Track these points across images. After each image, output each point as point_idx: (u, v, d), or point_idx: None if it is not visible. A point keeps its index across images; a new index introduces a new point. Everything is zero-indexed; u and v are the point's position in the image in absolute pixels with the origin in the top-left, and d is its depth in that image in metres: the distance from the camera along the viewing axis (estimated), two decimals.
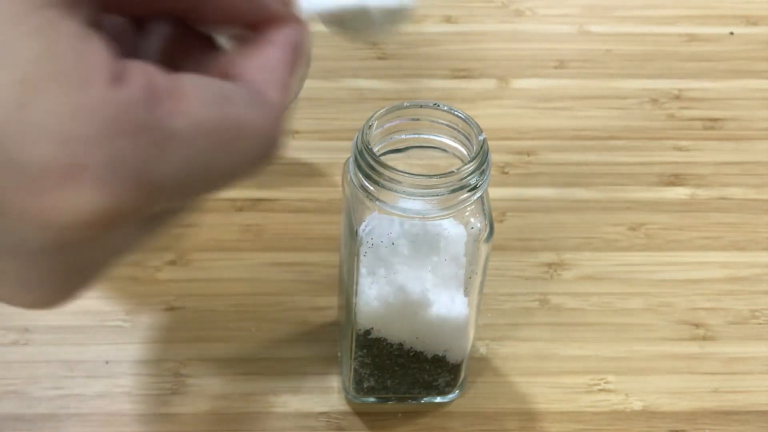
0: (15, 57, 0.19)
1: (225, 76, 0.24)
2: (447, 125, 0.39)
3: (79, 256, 0.22)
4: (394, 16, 0.36)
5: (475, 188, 0.37)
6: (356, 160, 0.37)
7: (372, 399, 0.46)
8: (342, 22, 0.35)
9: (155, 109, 0.21)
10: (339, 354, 0.48)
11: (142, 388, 0.46)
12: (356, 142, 0.38)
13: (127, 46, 0.25)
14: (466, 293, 0.41)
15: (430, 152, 0.40)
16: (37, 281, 0.22)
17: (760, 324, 0.51)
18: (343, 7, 0.35)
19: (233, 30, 0.27)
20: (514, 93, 0.65)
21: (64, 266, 0.22)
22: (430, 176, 0.36)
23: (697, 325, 0.50)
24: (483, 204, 0.39)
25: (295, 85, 0.26)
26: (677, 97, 0.65)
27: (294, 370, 0.47)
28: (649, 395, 0.47)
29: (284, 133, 0.25)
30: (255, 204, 0.56)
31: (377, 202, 0.37)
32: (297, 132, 0.61)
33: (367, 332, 0.42)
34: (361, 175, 0.37)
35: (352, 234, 0.39)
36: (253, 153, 0.24)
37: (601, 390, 0.47)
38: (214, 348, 0.48)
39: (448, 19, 0.71)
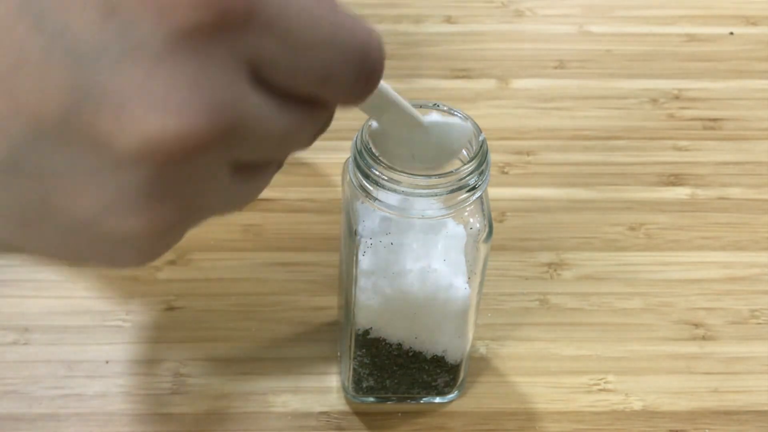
0: None
1: None
2: None
3: (170, 186, 0.20)
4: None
5: (474, 188, 0.37)
6: (355, 160, 0.37)
7: (371, 399, 0.46)
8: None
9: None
10: (338, 354, 0.48)
11: (142, 388, 0.46)
12: (356, 142, 0.38)
13: None
14: (466, 293, 0.41)
15: None
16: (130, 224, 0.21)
17: (759, 324, 0.51)
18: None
19: None
20: (514, 93, 0.65)
21: (155, 200, 0.20)
22: (430, 176, 0.36)
23: (696, 325, 0.50)
24: (482, 204, 0.39)
25: None
26: (677, 97, 0.65)
27: (294, 369, 0.48)
28: (648, 395, 0.47)
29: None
30: (255, 204, 0.56)
31: (376, 202, 0.37)
32: None
33: (366, 332, 0.42)
34: (360, 175, 0.37)
35: (351, 234, 0.39)
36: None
37: (600, 390, 0.47)
38: (214, 348, 0.48)
39: (448, 19, 0.71)
